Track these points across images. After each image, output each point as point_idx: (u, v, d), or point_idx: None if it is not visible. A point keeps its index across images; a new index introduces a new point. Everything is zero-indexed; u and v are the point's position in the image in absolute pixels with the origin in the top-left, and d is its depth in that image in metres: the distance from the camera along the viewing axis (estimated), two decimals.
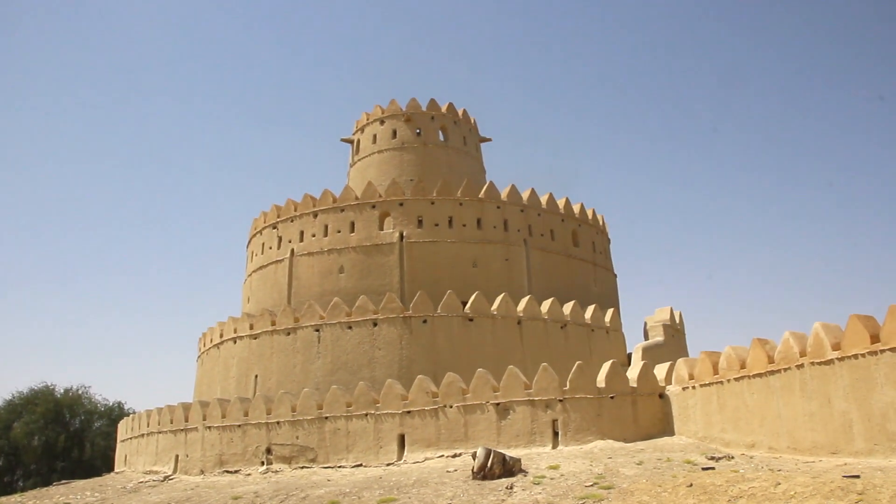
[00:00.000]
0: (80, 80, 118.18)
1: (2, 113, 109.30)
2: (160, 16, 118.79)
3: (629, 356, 28.32)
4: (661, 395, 19.61)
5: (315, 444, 22.48)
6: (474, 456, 16.22)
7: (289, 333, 27.96)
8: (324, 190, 32.71)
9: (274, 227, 33.76)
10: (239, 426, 24.15)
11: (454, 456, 19.93)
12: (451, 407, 20.92)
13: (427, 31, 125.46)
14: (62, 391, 44.63)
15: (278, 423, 23.34)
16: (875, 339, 12.96)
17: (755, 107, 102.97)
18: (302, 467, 22.12)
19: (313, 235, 31.89)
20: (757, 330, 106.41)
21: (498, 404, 20.34)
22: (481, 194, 31.35)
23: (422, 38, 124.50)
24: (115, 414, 44.86)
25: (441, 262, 29.70)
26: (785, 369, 14.99)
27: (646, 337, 30.36)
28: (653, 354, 26.27)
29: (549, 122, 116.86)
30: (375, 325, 26.67)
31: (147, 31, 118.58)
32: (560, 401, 19.65)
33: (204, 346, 33.11)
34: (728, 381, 16.88)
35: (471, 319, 26.62)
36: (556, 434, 19.45)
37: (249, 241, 36.25)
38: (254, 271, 34.40)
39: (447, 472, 17.39)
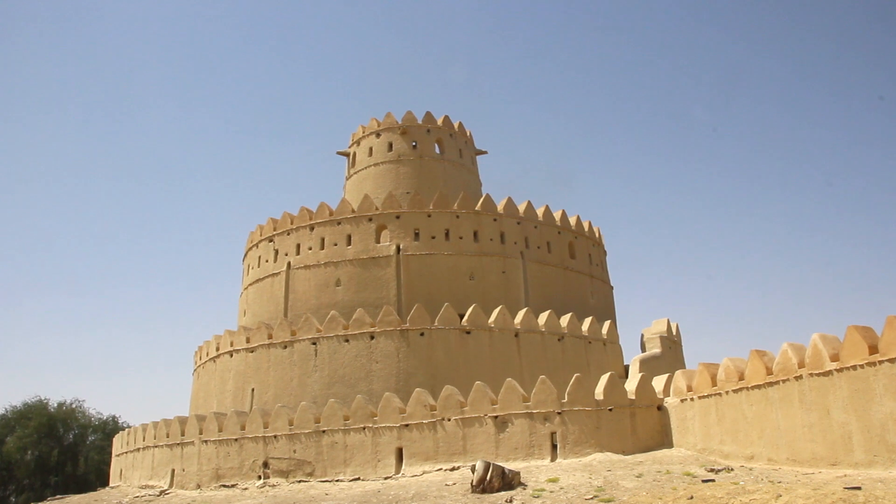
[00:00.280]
0: (77, 90, 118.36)
1: None
2: (157, 30, 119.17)
3: (626, 368, 28.33)
4: (660, 408, 19.60)
5: (312, 458, 22.37)
6: (473, 469, 16.17)
7: (286, 347, 27.89)
8: (320, 203, 32.76)
9: (270, 241, 33.73)
10: (236, 440, 24.02)
11: (452, 469, 19.85)
12: (449, 420, 20.86)
13: (423, 44, 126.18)
14: (56, 405, 44.36)
15: (275, 436, 23.22)
16: (873, 350, 13.00)
17: (752, 113, 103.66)
18: (299, 481, 21.99)
19: (310, 248, 31.86)
20: (754, 341, 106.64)
21: (496, 417, 20.30)
22: (478, 207, 31.42)
23: (418, 51, 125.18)
24: (110, 428, 44.58)
25: (438, 275, 29.70)
26: (784, 381, 15.01)
27: (643, 349, 30.36)
28: (650, 366, 26.28)
29: (545, 135, 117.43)
30: (373, 338, 26.62)
31: (143, 46, 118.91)
32: (558, 413, 19.62)
33: (200, 359, 32.97)
34: (727, 392, 16.88)
35: (468, 332, 26.59)
36: (554, 447, 19.40)
37: (245, 255, 36.19)
38: (250, 284, 34.33)
39: (446, 485, 17.33)
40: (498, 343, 26.62)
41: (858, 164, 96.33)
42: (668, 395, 19.72)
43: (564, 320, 28.11)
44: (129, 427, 33.21)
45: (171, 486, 25.37)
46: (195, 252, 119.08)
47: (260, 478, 22.97)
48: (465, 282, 29.77)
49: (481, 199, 32.01)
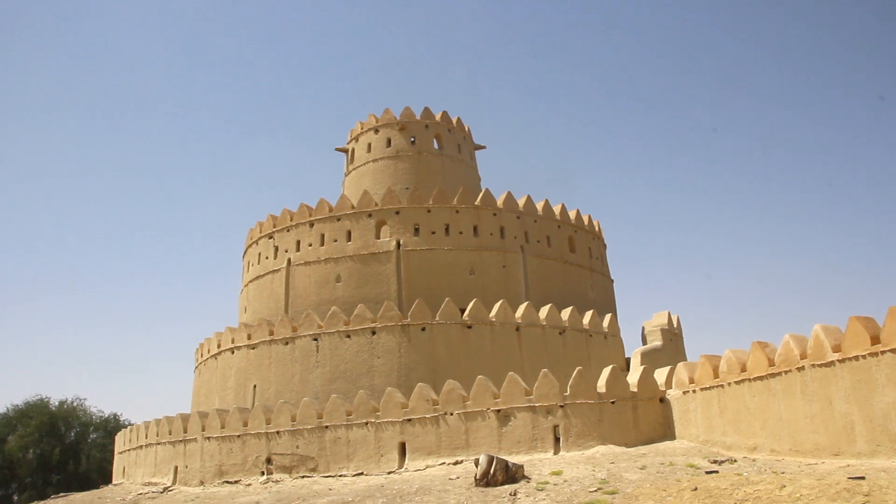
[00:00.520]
0: (75, 89, 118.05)
1: None
2: (156, 28, 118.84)
3: (628, 361, 28.37)
4: (662, 400, 19.65)
5: (315, 454, 22.41)
6: (476, 463, 16.21)
7: (287, 343, 27.92)
8: (320, 199, 32.76)
9: (270, 237, 33.73)
10: (238, 436, 24.06)
11: (455, 463, 19.91)
12: (451, 414, 20.91)
13: (421, 39, 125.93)
14: (57, 403, 44.42)
15: (278, 432, 23.27)
16: (875, 340, 13.02)
17: (752, 109, 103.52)
18: (302, 476, 22.05)
19: (310, 245, 31.86)
20: (756, 333, 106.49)
21: (499, 411, 20.34)
22: (477, 202, 31.42)
23: (416, 46, 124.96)
24: (111, 426, 44.64)
25: (438, 270, 29.72)
26: (786, 372, 15.05)
27: (644, 342, 30.42)
28: (651, 359, 26.31)
29: (544, 129, 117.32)
30: (374, 333, 26.65)
31: (142, 43, 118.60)
32: (561, 407, 19.66)
33: (201, 356, 33.00)
34: (729, 384, 16.93)
35: (469, 326, 26.64)
36: (557, 440, 19.45)
37: (245, 251, 36.18)
38: (250, 281, 34.34)
39: (449, 479, 17.37)
40: (499, 337, 26.66)
41: (858, 164, 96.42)
42: (671, 388, 19.76)
43: (565, 314, 28.16)
44: (130, 425, 33.27)
45: (174, 482, 25.42)
46: (195, 249, 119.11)
47: (263, 473, 23.02)
48: (466, 276, 29.80)
49: (481, 194, 32.02)
